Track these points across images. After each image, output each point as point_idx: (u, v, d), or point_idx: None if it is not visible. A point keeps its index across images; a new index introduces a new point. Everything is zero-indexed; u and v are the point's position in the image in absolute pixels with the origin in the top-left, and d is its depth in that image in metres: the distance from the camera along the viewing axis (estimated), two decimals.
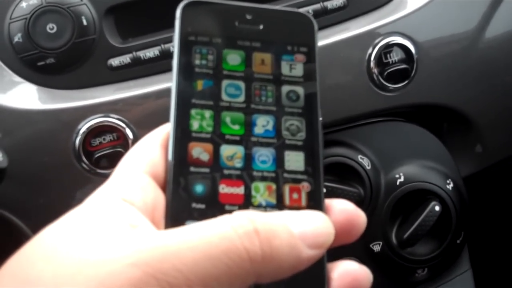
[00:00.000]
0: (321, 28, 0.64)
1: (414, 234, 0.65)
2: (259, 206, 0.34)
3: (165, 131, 0.35)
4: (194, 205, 0.33)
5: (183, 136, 0.34)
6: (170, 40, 0.61)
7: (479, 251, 0.78)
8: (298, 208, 0.34)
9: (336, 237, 0.32)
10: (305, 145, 0.36)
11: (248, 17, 0.37)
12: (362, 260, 0.67)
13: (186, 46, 0.36)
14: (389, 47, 0.64)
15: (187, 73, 0.36)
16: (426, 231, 0.65)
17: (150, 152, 0.34)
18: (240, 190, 0.34)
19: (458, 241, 0.68)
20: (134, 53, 0.61)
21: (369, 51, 0.64)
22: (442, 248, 0.67)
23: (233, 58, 0.37)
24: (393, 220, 0.67)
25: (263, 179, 0.34)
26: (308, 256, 0.30)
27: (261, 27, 0.37)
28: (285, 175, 0.35)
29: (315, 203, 0.34)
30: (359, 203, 0.65)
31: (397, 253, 0.66)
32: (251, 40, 0.37)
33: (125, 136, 0.59)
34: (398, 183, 0.67)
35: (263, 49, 0.37)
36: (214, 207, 0.33)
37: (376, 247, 0.66)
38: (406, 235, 0.65)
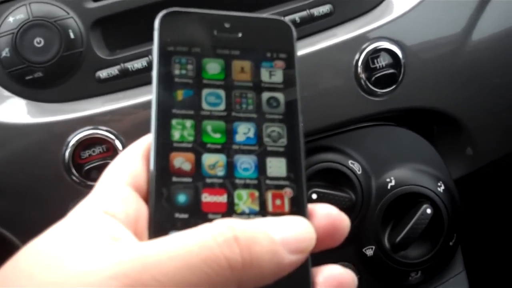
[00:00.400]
0: (308, 35, 0.64)
1: (406, 238, 0.65)
2: (242, 214, 0.34)
3: (147, 142, 0.35)
4: (177, 215, 0.33)
5: (164, 146, 0.34)
6: None
7: (472, 253, 0.78)
8: (281, 214, 0.34)
9: (320, 241, 0.33)
10: (287, 151, 0.36)
11: (227, 25, 0.37)
12: (355, 265, 0.68)
13: (165, 57, 0.36)
14: (376, 52, 0.64)
15: (167, 84, 0.36)
16: (419, 234, 0.65)
17: (132, 163, 0.34)
18: (223, 198, 0.34)
19: (451, 243, 0.68)
20: (122, 64, 0.61)
21: (357, 56, 0.64)
22: (435, 251, 0.67)
23: (213, 67, 0.37)
24: (385, 224, 0.67)
25: (246, 186, 0.34)
26: (290, 262, 0.30)
27: (240, 35, 0.38)
28: (268, 181, 0.35)
29: (298, 208, 0.35)
30: (350, 208, 0.65)
31: (390, 257, 0.66)
32: (230, 48, 0.37)
33: (114, 148, 0.60)
34: (389, 187, 0.67)
35: (242, 56, 0.37)
36: (197, 216, 0.33)
37: (369, 252, 0.67)
38: (398, 239, 0.65)
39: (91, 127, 0.59)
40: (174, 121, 0.35)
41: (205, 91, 0.36)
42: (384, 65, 0.65)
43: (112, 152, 0.60)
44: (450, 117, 0.69)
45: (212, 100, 0.36)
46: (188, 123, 0.35)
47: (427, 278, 0.70)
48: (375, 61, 0.64)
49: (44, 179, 0.60)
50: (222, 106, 0.36)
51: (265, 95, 0.37)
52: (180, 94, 0.36)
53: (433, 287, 0.71)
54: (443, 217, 0.67)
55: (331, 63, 0.64)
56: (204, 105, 0.36)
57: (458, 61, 0.68)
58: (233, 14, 0.38)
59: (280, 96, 0.37)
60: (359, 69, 0.64)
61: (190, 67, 0.36)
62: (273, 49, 0.38)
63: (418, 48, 0.66)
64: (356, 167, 0.66)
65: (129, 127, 0.60)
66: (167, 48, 0.36)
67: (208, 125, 0.35)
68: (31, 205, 0.60)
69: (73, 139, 0.59)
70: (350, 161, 0.66)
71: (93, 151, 0.59)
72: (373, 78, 0.64)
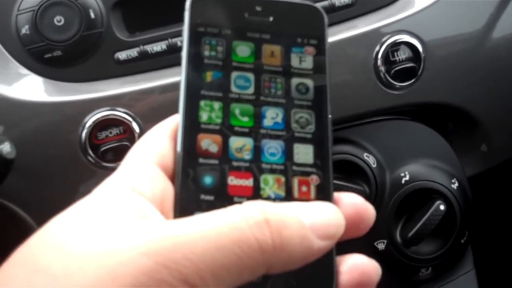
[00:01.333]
0: (328, 25, 0.64)
1: (418, 233, 0.65)
2: (268, 199, 0.34)
3: (174, 122, 0.35)
4: (202, 196, 0.33)
5: (192, 127, 0.34)
6: (177, 34, 0.61)
7: (482, 251, 0.78)
8: (307, 201, 0.34)
9: (345, 230, 0.32)
10: (314, 138, 0.35)
11: (258, 8, 0.37)
12: None
13: (195, 37, 0.36)
14: (396, 45, 0.64)
15: (196, 65, 0.35)
16: (431, 230, 0.65)
17: (159, 143, 0.34)
18: (249, 182, 0.34)
19: (462, 241, 0.68)
20: (141, 47, 0.61)
21: (377, 49, 0.64)
22: (446, 248, 0.67)
23: (243, 49, 0.36)
24: (398, 219, 0.67)
25: (272, 171, 0.34)
26: (318, 247, 0.30)
27: (271, 19, 0.37)
28: (294, 167, 0.34)
29: (324, 196, 0.34)
30: None
31: (402, 252, 0.66)
32: (261, 32, 0.37)
33: (131, 129, 0.59)
34: (403, 181, 0.67)
35: (273, 41, 0.37)
36: (223, 199, 0.33)
37: (381, 246, 0.66)
38: (410, 234, 0.65)
39: (108, 108, 0.59)
40: (202, 103, 0.35)
41: (234, 74, 0.36)
42: (403, 59, 0.64)
43: (129, 134, 0.59)
44: (466, 113, 0.69)
45: (241, 83, 0.36)
46: (217, 105, 0.35)
47: (437, 275, 0.69)
48: (395, 54, 0.64)
49: (59, 159, 0.60)
50: (251, 90, 0.36)
51: (294, 81, 0.36)
52: (209, 76, 0.35)
53: (442, 284, 0.71)
54: (456, 214, 0.67)
55: (350, 54, 0.64)
56: (233, 88, 0.35)
57: (477, 58, 0.67)
58: None
59: (309, 82, 0.37)
60: (379, 62, 0.64)
61: (220, 49, 0.36)
62: (304, 35, 0.37)
63: (438, 43, 0.66)
64: (371, 160, 0.66)
65: (147, 109, 0.60)
66: (198, 29, 0.36)
67: (237, 108, 0.35)
68: (45, 184, 0.60)
69: (90, 120, 0.59)
70: (365, 154, 0.66)
71: (110, 132, 0.59)
72: (392, 71, 0.64)
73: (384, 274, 0.69)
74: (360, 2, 0.65)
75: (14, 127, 0.59)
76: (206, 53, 0.36)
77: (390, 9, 0.66)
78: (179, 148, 0.34)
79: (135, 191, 0.31)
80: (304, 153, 0.35)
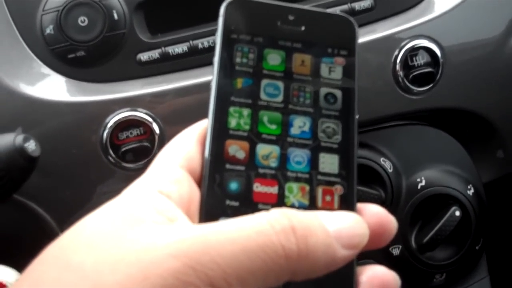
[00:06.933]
0: None
1: (433, 239, 0.65)
2: (291, 207, 0.34)
3: (202, 127, 0.35)
4: (228, 202, 0.33)
5: (220, 133, 0.34)
6: (199, 36, 0.61)
7: (497, 258, 0.78)
8: (330, 210, 0.34)
9: (368, 241, 0.33)
10: (340, 148, 0.36)
11: (291, 17, 0.37)
12: (381, 264, 0.68)
13: (228, 44, 0.36)
14: (415, 50, 0.64)
15: (227, 71, 0.36)
16: (446, 236, 0.65)
17: (187, 147, 0.34)
18: (274, 189, 0.34)
19: (477, 248, 0.68)
20: (163, 48, 0.61)
21: (395, 53, 0.64)
22: (461, 254, 0.67)
23: (274, 57, 0.37)
24: (413, 224, 0.67)
25: (297, 180, 0.34)
26: (342, 256, 0.30)
27: (303, 28, 0.37)
28: (319, 177, 0.35)
29: (347, 206, 0.34)
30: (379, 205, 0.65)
31: (416, 257, 0.66)
32: (292, 41, 0.37)
33: (152, 130, 0.60)
34: (419, 187, 0.67)
35: (304, 50, 0.37)
36: (248, 205, 0.33)
37: (395, 251, 0.67)
38: (425, 240, 0.65)
39: (130, 109, 0.60)
40: (231, 109, 0.35)
41: (264, 82, 0.36)
42: (422, 64, 0.64)
43: (149, 135, 0.60)
44: (483, 119, 0.69)
45: (271, 91, 0.36)
46: (245, 111, 0.35)
47: (451, 281, 0.70)
48: (414, 59, 0.64)
49: (80, 158, 0.60)
50: (280, 98, 0.36)
51: (323, 91, 0.37)
52: (239, 82, 0.36)
53: None
54: (471, 221, 0.67)
55: (369, 58, 0.64)
56: (262, 95, 0.36)
57: (496, 64, 0.67)
58: (298, 6, 0.38)
59: (337, 92, 0.37)
60: (397, 66, 0.64)
61: (251, 56, 0.36)
62: (334, 45, 0.37)
63: (457, 48, 0.66)
64: (388, 165, 0.66)
65: (167, 110, 0.60)
66: (231, 35, 0.36)
67: (265, 116, 0.35)
68: (66, 183, 0.60)
69: (111, 120, 0.59)
70: (381, 159, 0.66)
71: (131, 133, 0.59)
72: (410, 76, 0.64)
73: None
74: (379, 7, 0.65)
75: (37, 126, 0.59)
76: (238, 60, 0.36)
77: (409, 13, 0.66)
78: (206, 153, 0.34)
79: (162, 193, 0.31)
80: (329, 163, 0.35)
